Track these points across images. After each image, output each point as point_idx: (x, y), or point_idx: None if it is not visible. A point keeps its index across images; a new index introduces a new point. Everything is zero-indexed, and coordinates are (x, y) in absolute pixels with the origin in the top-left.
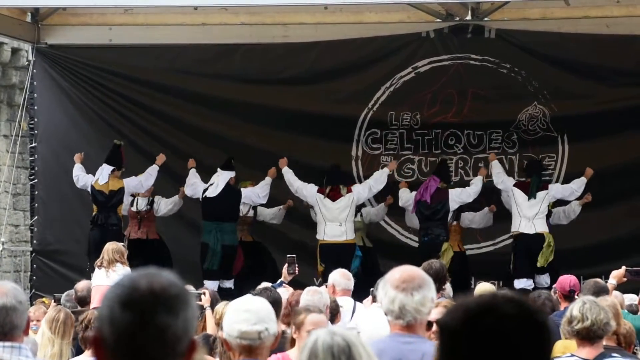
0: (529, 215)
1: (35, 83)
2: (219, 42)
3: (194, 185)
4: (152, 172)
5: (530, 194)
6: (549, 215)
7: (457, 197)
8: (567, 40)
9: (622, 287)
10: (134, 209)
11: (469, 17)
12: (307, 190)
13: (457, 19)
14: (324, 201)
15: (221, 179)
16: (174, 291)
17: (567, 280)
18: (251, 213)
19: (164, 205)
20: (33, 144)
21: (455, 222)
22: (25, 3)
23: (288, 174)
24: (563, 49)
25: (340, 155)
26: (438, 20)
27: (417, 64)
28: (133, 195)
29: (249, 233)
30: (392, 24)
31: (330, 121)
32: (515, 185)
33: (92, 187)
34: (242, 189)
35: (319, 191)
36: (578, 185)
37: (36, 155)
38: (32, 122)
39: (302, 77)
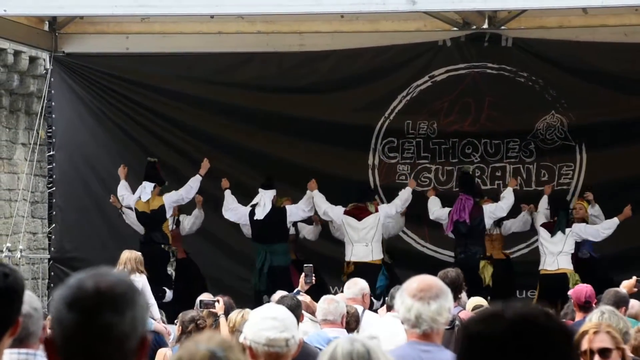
0: (554, 252)
1: (52, 91)
2: (235, 51)
3: (235, 210)
4: (193, 183)
5: (555, 231)
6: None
7: (492, 213)
8: (585, 48)
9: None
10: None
11: (485, 26)
12: (333, 213)
13: (474, 27)
14: (350, 221)
15: (266, 198)
16: (120, 290)
17: (582, 290)
18: (293, 230)
19: (187, 222)
20: (51, 152)
21: (496, 232)
22: (42, 12)
23: (317, 197)
24: (581, 57)
25: (356, 164)
26: (455, 28)
27: (434, 72)
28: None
29: (294, 251)
30: (409, 33)
31: (346, 130)
32: (542, 225)
33: (135, 208)
34: (286, 206)
35: (345, 212)
36: (608, 226)
37: (54, 164)
38: (50, 130)
39: (318, 86)
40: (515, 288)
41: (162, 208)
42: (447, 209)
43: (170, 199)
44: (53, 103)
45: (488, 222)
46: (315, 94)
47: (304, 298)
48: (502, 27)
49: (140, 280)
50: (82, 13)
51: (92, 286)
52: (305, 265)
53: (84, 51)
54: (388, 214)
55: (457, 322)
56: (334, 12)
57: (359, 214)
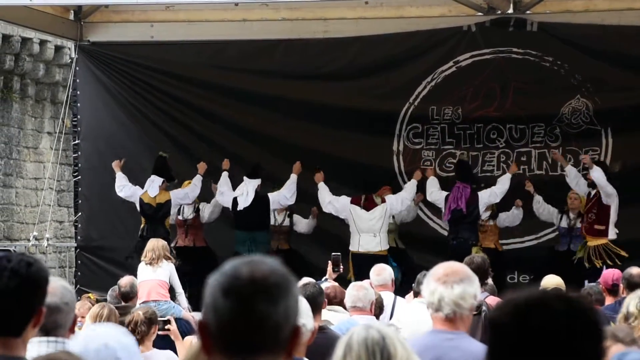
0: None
1: (78, 80)
2: (259, 38)
3: (222, 195)
4: (197, 182)
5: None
6: None
7: (487, 199)
8: (611, 32)
9: None
10: (180, 217)
11: (510, 11)
12: (339, 203)
13: (499, 12)
14: (358, 211)
15: (250, 187)
16: (274, 279)
17: (610, 274)
18: (287, 222)
19: (207, 211)
20: (76, 141)
21: (492, 222)
22: (67, 1)
23: (323, 190)
24: (606, 41)
25: (381, 150)
26: (479, 13)
27: (459, 58)
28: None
29: (285, 242)
30: (433, 18)
31: (371, 116)
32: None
33: (141, 199)
34: (268, 195)
35: (352, 202)
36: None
37: (79, 152)
38: (75, 119)
39: (342, 73)
40: (505, 276)
41: (168, 203)
42: (445, 193)
43: (177, 197)
44: (78, 92)
45: (482, 208)
46: (340, 80)
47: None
48: (527, 12)
49: (168, 268)
50: (107, 2)
51: (247, 275)
52: (333, 254)
53: (109, 40)
54: (394, 205)
55: (484, 308)
56: None
57: (369, 205)
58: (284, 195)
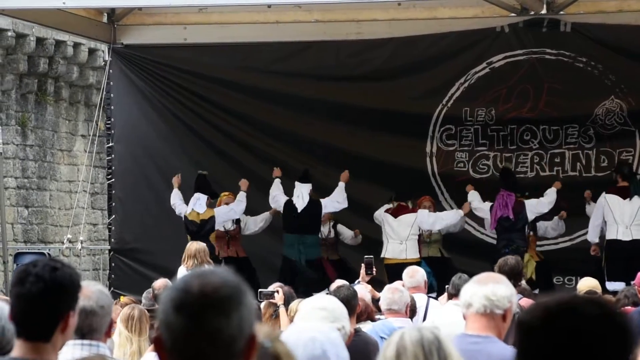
0: (626, 222)
1: (111, 83)
2: (292, 40)
3: (275, 198)
4: (242, 198)
5: (632, 194)
6: None
7: (534, 208)
8: None
9: None
10: (221, 228)
11: (544, 11)
12: (377, 211)
13: (532, 13)
14: (388, 218)
15: (304, 190)
16: (226, 292)
17: None
18: (332, 234)
19: (253, 224)
20: (110, 144)
21: (531, 233)
22: (100, 4)
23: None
24: None
25: (414, 152)
26: (512, 14)
27: (492, 59)
28: None
29: (335, 252)
30: (466, 19)
31: (404, 118)
32: (608, 191)
33: (185, 217)
34: (321, 200)
35: (386, 210)
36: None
37: (113, 155)
38: (109, 121)
39: (375, 74)
40: (552, 280)
41: (212, 220)
42: (489, 204)
43: (223, 214)
44: (112, 94)
45: (530, 216)
46: (373, 82)
47: (366, 287)
48: (561, 12)
49: None
50: (140, 4)
51: (198, 288)
52: (365, 256)
53: (142, 42)
54: (424, 221)
55: (517, 310)
56: (391, 0)
57: (397, 211)
58: (335, 200)
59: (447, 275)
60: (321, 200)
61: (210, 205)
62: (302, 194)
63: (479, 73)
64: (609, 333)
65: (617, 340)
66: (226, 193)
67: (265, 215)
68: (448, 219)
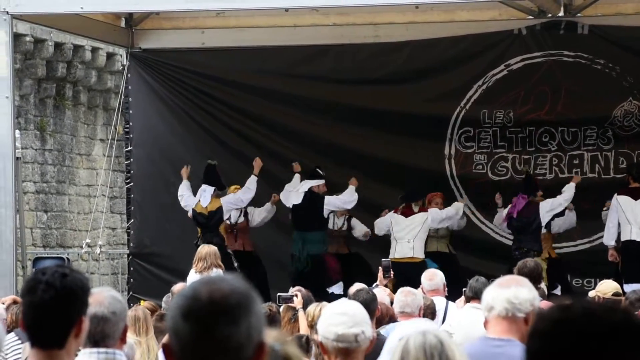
0: (639, 222)
1: (130, 87)
2: (310, 44)
3: (285, 192)
4: (251, 185)
5: None
6: None
7: (549, 208)
8: None
9: None
10: (228, 221)
11: (561, 14)
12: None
13: (550, 15)
14: (397, 219)
15: (305, 187)
16: (235, 299)
17: None
18: (345, 226)
19: (258, 215)
20: (128, 148)
21: (545, 230)
22: (118, 9)
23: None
24: None
25: (433, 154)
26: (530, 17)
27: (510, 61)
28: None
29: (345, 245)
30: (484, 22)
31: (422, 120)
32: (619, 193)
33: (193, 210)
34: (326, 196)
35: (394, 212)
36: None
37: (132, 159)
38: (128, 125)
39: (393, 77)
40: (568, 283)
41: (220, 210)
42: (505, 211)
43: (229, 202)
44: (130, 99)
45: (545, 217)
46: (391, 85)
47: (384, 290)
48: (578, 15)
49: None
50: (158, 9)
51: (206, 296)
52: (383, 260)
53: (160, 47)
54: (435, 219)
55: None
56: (408, 3)
57: (406, 212)
58: (342, 199)
59: (452, 272)
60: (326, 197)
61: (218, 196)
62: (303, 189)
63: (497, 75)
64: (622, 340)
65: (630, 347)
66: (236, 186)
67: (267, 206)
68: (458, 218)
